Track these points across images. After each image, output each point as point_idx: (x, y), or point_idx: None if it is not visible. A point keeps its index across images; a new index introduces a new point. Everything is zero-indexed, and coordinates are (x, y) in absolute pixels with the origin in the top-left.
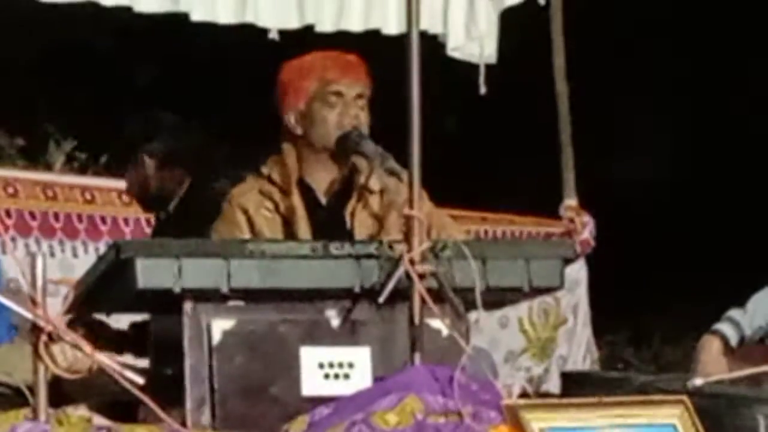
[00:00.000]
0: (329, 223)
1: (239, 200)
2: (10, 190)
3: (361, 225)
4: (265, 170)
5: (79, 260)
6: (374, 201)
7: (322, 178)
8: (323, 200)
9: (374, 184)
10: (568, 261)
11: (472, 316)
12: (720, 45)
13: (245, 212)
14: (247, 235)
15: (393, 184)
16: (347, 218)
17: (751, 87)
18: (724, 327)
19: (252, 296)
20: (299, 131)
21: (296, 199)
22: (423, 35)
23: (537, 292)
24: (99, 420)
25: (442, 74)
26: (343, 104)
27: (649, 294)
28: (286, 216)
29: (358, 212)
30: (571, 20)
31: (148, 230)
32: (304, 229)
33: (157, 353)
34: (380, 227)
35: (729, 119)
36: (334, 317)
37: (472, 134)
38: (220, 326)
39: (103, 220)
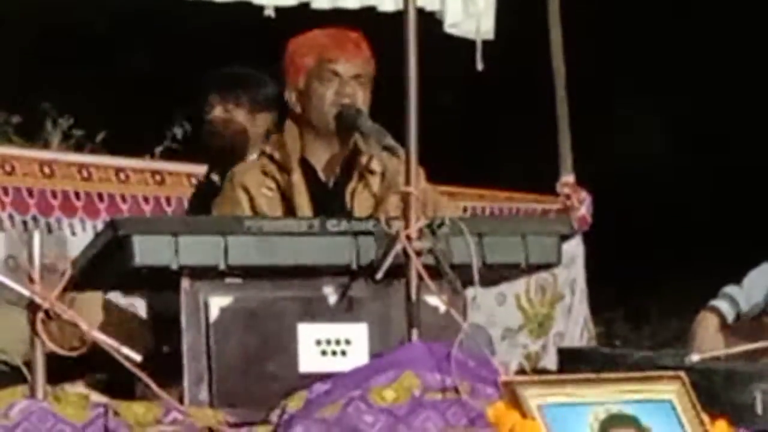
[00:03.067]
0: (330, 202)
1: (240, 179)
2: (8, 167)
3: (361, 205)
4: (267, 149)
5: (76, 238)
6: (375, 182)
7: (323, 156)
8: (324, 178)
9: (375, 165)
10: (565, 237)
11: (470, 292)
12: (722, 19)
13: (246, 191)
14: (248, 214)
15: (393, 165)
16: (348, 198)
17: (753, 63)
18: (720, 303)
19: (249, 273)
20: (298, 109)
21: (297, 178)
22: (420, 12)
23: (534, 268)
24: (96, 397)
25: (439, 51)
26: (340, 83)
27: (646, 270)
28: (288, 194)
29: (359, 193)
30: None
31: (145, 207)
32: (305, 207)
33: (155, 330)
34: (380, 208)
35: (729, 96)
36: (331, 294)
37: (469, 111)
38: (217, 303)
39: (101, 197)
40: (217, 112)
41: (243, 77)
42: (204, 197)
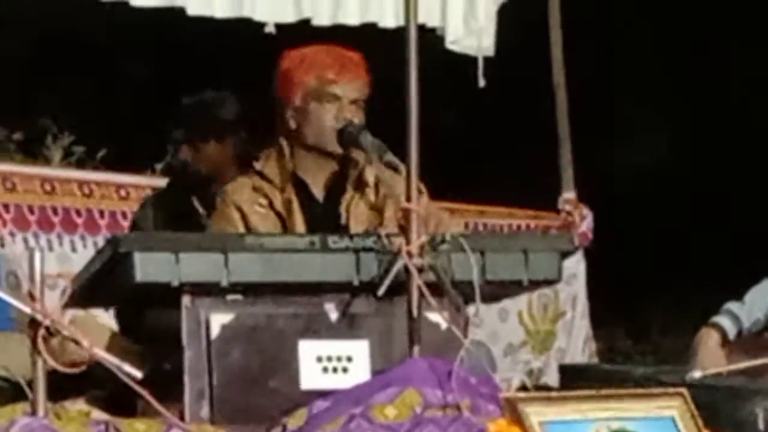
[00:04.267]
0: (324, 218)
1: (233, 197)
2: (8, 184)
3: (357, 219)
4: (257, 165)
5: (77, 254)
6: (369, 194)
7: (316, 172)
8: (317, 195)
9: (369, 176)
10: (566, 254)
11: (471, 309)
12: (719, 34)
13: (239, 209)
14: (242, 231)
15: (388, 175)
16: (342, 212)
17: (751, 77)
18: (722, 319)
19: (250, 290)
20: (293, 125)
21: (291, 195)
22: (421, 28)
23: (535, 285)
24: (97, 414)
25: (440, 67)
26: (339, 107)
27: (647, 286)
28: (281, 211)
29: (354, 206)
30: (569, 12)
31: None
32: (299, 224)
33: (156, 347)
34: (376, 220)
35: (728, 111)
36: (332, 311)
37: (470, 127)
38: (218, 320)
39: (102, 214)
40: (185, 151)
41: (203, 108)
42: (178, 218)
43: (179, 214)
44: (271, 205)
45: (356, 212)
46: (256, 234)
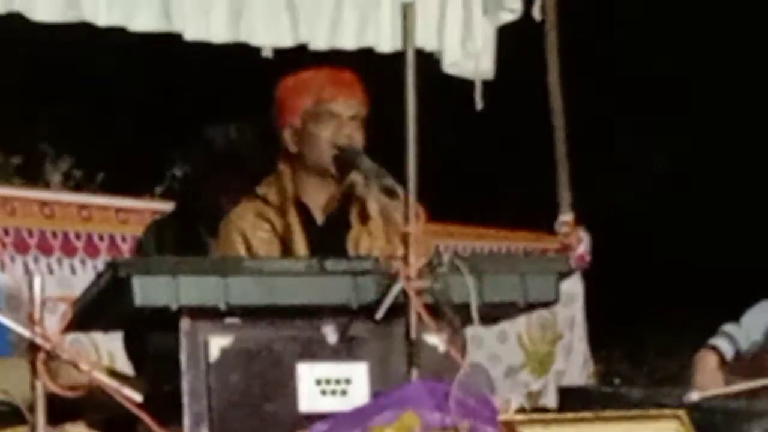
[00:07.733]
0: (326, 243)
1: (236, 223)
2: (8, 208)
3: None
4: (260, 191)
5: (77, 277)
6: (375, 226)
7: (318, 196)
8: (319, 219)
9: (372, 209)
10: (563, 276)
11: (470, 331)
12: (719, 62)
13: (242, 234)
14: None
15: (386, 202)
16: (350, 246)
17: (750, 102)
18: (719, 341)
19: (249, 313)
20: (293, 149)
21: (292, 219)
22: (419, 52)
23: (532, 306)
24: None
25: (438, 90)
26: (337, 124)
27: (644, 308)
28: (283, 236)
29: (362, 242)
30: (567, 36)
31: None
32: (301, 248)
33: (155, 370)
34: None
35: (727, 134)
36: (331, 333)
37: (468, 150)
38: (217, 343)
39: (101, 237)
40: (221, 198)
41: (242, 164)
42: (183, 244)
43: (185, 240)
44: (273, 230)
45: (365, 246)
46: (254, 257)
